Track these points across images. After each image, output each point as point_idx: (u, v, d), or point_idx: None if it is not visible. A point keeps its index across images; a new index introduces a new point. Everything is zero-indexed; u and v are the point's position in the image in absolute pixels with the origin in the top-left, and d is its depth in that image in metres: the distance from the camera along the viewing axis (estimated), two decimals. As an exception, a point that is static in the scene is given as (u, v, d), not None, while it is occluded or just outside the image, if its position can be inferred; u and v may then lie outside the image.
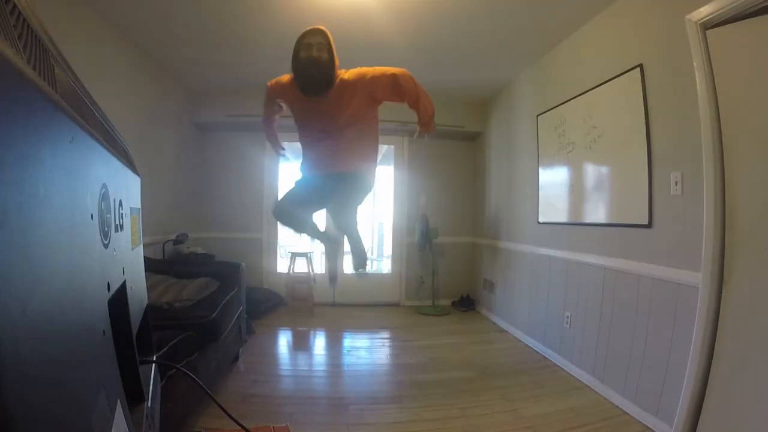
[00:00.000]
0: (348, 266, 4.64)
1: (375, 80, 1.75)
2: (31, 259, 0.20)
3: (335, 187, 1.89)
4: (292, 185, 2.01)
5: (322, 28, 1.73)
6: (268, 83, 1.95)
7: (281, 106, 2.05)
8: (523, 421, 1.88)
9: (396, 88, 1.75)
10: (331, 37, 1.71)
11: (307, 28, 1.72)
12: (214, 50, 2.97)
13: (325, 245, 2.16)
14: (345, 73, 1.76)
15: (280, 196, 2.16)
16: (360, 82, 1.74)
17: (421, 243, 4.11)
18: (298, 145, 1.97)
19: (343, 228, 2.06)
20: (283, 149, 2.27)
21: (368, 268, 2.92)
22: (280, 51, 2.97)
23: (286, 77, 1.87)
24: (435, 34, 2.67)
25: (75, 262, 0.28)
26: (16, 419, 0.16)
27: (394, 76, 1.74)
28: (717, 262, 1.57)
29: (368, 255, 2.35)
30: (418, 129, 1.91)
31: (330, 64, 1.70)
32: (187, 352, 1.64)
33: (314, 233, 2.07)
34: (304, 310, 3.94)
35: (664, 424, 1.73)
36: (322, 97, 1.74)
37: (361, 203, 2.06)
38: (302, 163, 1.96)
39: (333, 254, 2.17)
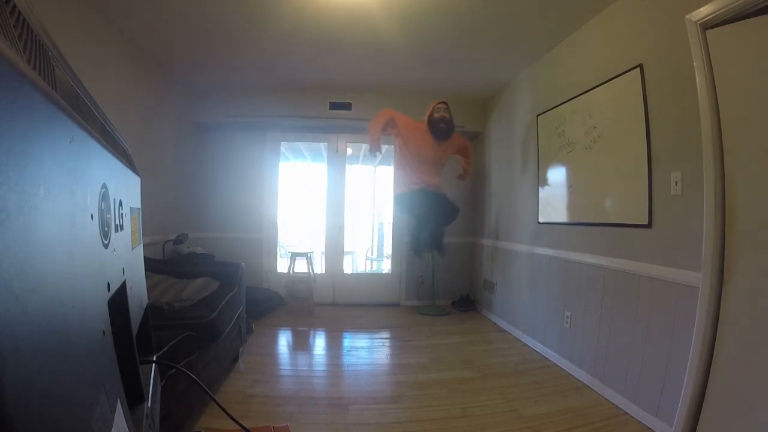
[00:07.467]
0: (348, 266, 4.64)
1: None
2: (31, 259, 0.20)
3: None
4: None
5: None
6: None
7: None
8: (523, 421, 1.88)
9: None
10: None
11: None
12: (214, 50, 2.97)
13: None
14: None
15: None
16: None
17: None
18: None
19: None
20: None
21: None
22: (280, 51, 2.99)
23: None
24: (435, 34, 2.66)
25: (75, 262, 0.28)
26: (16, 419, 0.16)
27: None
28: (717, 262, 1.57)
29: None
30: (463, 174, 3.89)
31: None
32: (187, 352, 1.64)
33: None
34: (304, 310, 3.94)
35: (664, 424, 1.73)
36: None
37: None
38: None
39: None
